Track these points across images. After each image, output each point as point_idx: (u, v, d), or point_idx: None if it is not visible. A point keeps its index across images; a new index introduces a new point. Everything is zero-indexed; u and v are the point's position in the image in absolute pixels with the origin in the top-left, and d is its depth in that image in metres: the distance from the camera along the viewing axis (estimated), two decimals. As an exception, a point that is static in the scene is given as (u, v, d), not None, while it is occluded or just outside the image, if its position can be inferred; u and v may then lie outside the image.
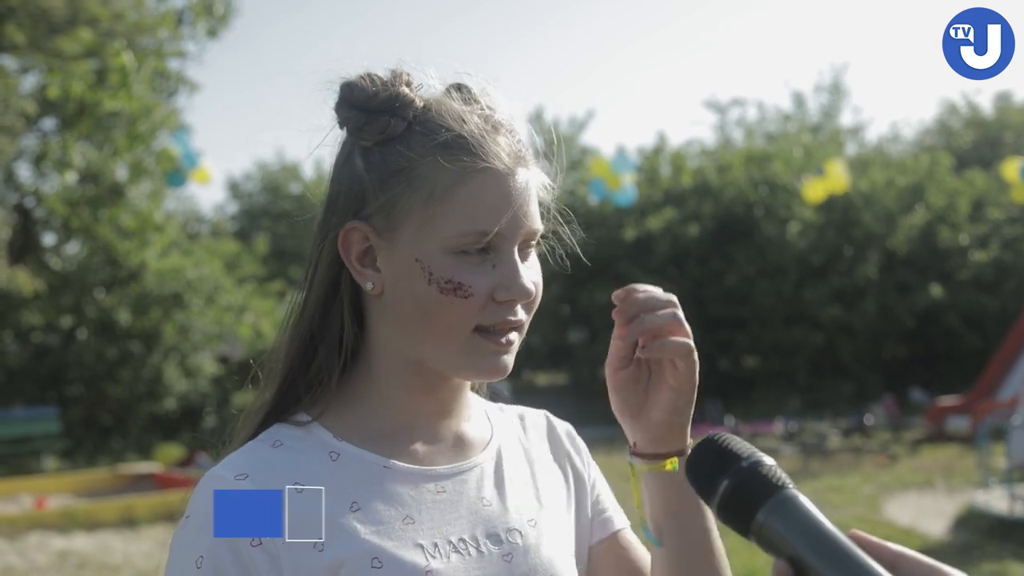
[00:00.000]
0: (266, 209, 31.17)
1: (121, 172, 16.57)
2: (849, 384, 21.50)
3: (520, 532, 1.22)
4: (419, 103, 1.18)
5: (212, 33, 17.36)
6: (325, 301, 1.21)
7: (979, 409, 14.42)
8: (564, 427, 1.42)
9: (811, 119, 28.80)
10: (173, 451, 14.44)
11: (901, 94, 52.65)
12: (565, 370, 26.41)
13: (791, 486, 0.98)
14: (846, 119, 36.56)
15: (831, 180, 16.41)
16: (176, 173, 14.14)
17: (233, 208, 33.04)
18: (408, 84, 1.19)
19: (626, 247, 22.22)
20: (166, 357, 17.34)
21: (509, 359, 1.20)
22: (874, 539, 0.91)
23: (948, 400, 16.39)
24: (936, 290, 22.09)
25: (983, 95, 37.85)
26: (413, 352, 1.20)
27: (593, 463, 1.40)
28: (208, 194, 53.90)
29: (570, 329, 25.17)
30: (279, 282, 21.57)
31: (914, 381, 21.34)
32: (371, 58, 1.23)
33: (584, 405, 21.26)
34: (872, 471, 12.80)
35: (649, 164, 23.99)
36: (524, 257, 1.19)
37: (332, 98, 1.20)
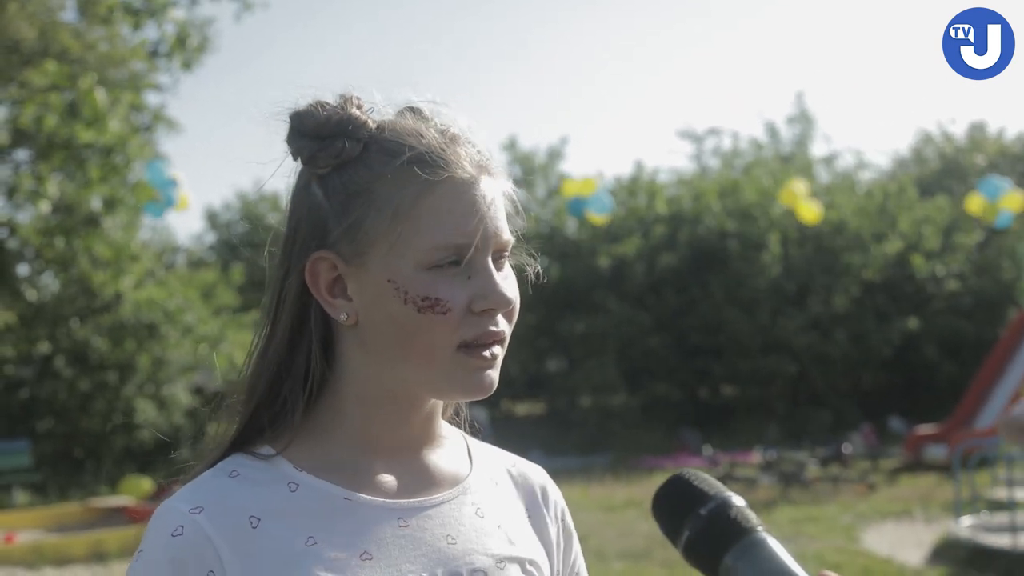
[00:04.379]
0: (245, 239, 31.00)
1: (96, 203, 16.46)
2: (827, 413, 21.54)
3: (485, 573, 1.17)
4: (372, 124, 1.16)
5: (187, 65, 17.29)
6: (292, 336, 1.18)
7: (955, 438, 14.45)
8: (557, 492, 1.35)
9: (784, 148, 29.04)
10: (142, 484, 14.24)
11: (877, 124, 53.26)
12: (543, 400, 26.34)
13: (760, 528, 0.97)
14: (819, 149, 36.95)
15: (791, 199, 16.25)
16: (154, 204, 14.04)
17: (211, 238, 32.86)
18: (359, 107, 1.17)
19: (602, 276, 22.25)
20: (140, 389, 17.16)
21: (494, 375, 1.15)
22: None
23: (926, 429, 16.43)
24: (912, 319, 22.23)
25: (957, 125, 38.33)
26: (392, 378, 1.16)
27: (577, 543, 1.35)
28: (184, 224, 53.74)
29: (548, 358, 25.12)
30: (256, 312, 21.39)
31: (892, 410, 21.39)
32: (338, 88, 1.20)
33: (561, 435, 21.25)
34: (850, 500, 12.78)
35: (626, 191, 24.09)
36: (498, 268, 1.16)
37: (283, 130, 1.18)
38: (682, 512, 0.99)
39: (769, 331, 21.64)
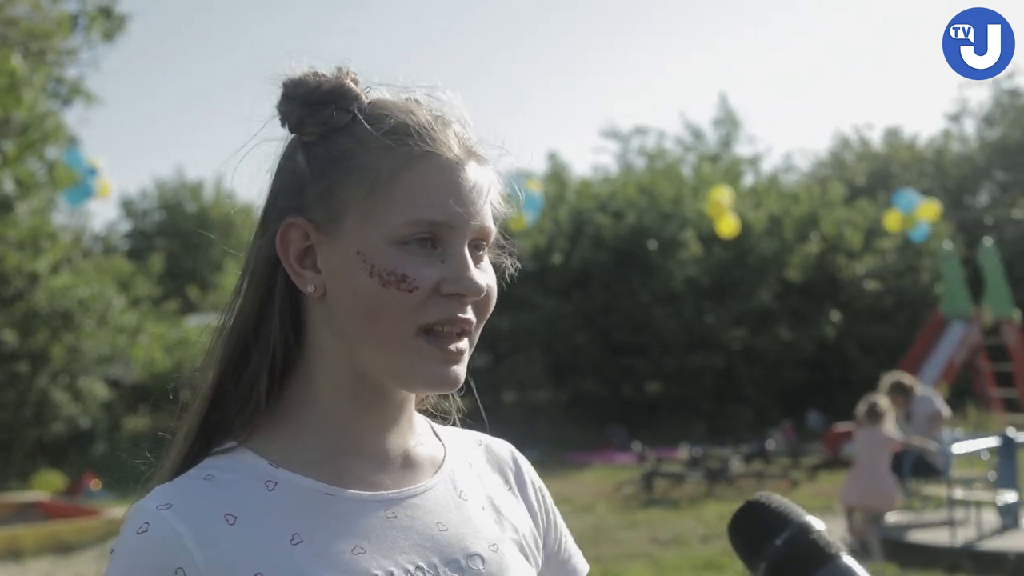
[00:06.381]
0: (163, 228, 30.57)
1: (8, 185, 15.87)
2: (749, 410, 21.89)
3: (481, 557, 1.14)
4: (364, 97, 1.13)
5: (108, 36, 16.72)
6: (260, 307, 1.13)
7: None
8: (526, 462, 1.36)
9: (710, 149, 29.46)
10: (54, 479, 13.83)
11: (796, 126, 54.40)
12: (466, 395, 26.30)
13: (844, 552, 0.95)
14: (743, 149, 37.58)
15: (715, 208, 16.43)
16: (75, 190, 13.54)
17: (126, 226, 32.30)
18: (355, 81, 1.14)
19: (528, 271, 22.25)
20: (54, 380, 16.64)
21: (460, 369, 1.13)
22: None
23: (844, 426, 16.76)
24: (832, 318, 22.72)
25: (874, 130, 39.33)
26: (356, 359, 1.11)
27: (553, 504, 1.34)
28: (99, 211, 52.54)
29: (473, 353, 25.08)
30: (174, 302, 20.99)
31: (810, 405, 21.81)
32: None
33: (486, 430, 21.19)
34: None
35: (551, 188, 24.14)
36: (476, 258, 1.13)
37: (275, 97, 1.15)
38: (758, 542, 0.97)
39: (694, 328, 21.90)
